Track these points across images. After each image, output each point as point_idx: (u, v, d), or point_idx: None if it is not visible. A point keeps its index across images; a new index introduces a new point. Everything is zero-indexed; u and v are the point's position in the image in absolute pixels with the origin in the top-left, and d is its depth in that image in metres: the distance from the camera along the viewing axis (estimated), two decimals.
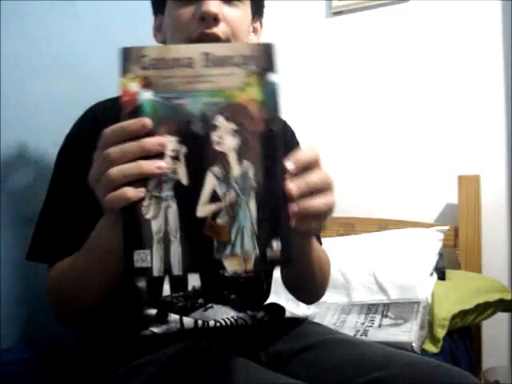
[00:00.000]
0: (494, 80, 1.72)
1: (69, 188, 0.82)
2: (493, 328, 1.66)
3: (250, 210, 0.52)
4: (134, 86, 0.52)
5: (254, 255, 0.51)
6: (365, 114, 1.91)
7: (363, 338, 1.13)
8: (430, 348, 1.21)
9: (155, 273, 0.51)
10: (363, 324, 1.22)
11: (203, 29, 0.78)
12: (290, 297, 1.17)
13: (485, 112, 1.73)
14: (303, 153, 0.56)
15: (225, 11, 0.80)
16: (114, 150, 0.52)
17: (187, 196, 0.51)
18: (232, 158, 0.52)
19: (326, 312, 1.34)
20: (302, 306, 1.40)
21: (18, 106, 1.14)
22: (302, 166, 0.55)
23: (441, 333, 1.23)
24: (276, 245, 0.51)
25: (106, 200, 0.53)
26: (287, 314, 1.01)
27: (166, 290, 0.82)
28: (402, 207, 1.83)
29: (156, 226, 0.51)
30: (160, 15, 0.87)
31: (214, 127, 0.52)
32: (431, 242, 1.57)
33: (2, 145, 1.10)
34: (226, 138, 0.52)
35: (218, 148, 0.52)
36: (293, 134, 1.03)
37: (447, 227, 1.65)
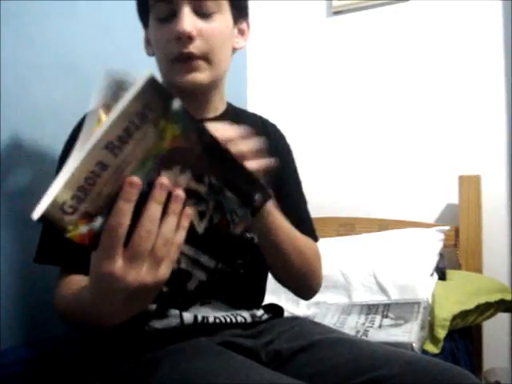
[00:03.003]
0: (495, 80, 1.71)
1: None
2: (493, 328, 1.66)
3: (228, 198, 0.60)
4: (82, 228, 0.50)
5: (248, 215, 0.62)
6: (365, 114, 1.91)
7: (363, 338, 1.13)
8: (431, 348, 1.21)
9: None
10: (363, 324, 1.21)
11: (180, 48, 0.80)
12: (290, 297, 1.17)
13: (485, 112, 1.73)
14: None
15: (200, 26, 0.81)
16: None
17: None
18: (195, 185, 0.56)
19: (326, 312, 1.34)
20: (302, 306, 1.40)
21: (17, 105, 1.14)
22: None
23: (441, 333, 1.23)
24: (257, 196, 0.62)
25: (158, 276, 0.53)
26: (287, 314, 1.01)
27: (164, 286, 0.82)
28: (402, 207, 1.82)
29: None
30: (148, 29, 0.89)
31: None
32: (432, 242, 1.57)
33: (2, 145, 1.10)
34: (179, 180, 0.54)
35: (181, 192, 0.54)
36: (282, 136, 1.04)
37: (448, 227, 1.65)
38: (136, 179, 0.50)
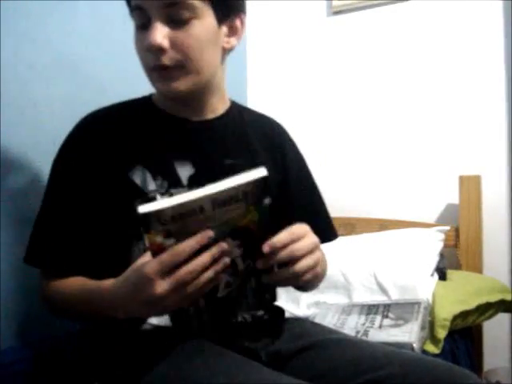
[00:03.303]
0: (495, 80, 1.71)
1: (66, 199, 0.84)
2: (494, 329, 1.66)
3: (251, 284, 0.84)
4: (159, 238, 0.63)
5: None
6: (365, 114, 1.91)
7: (363, 338, 1.13)
8: (431, 349, 1.21)
9: None
10: (363, 325, 1.21)
11: (153, 59, 0.80)
12: (290, 297, 1.17)
13: (485, 112, 1.73)
14: (279, 237, 0.70)
15: (172, 36, 0.78)
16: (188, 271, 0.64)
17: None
18: (239, 261, 0.73)
19: (326, 312, 1.33)
20: (302, 306, 1.40)
21: (17, 105, 1.14)
22: (276, 248, 0.70)
23: (442, 333, 1.23)
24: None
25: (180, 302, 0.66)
26: (287, 315, 1.01)
27: None
28: (402, 207, 1.82)
29: None
30: None
31: None
32: (432, 243, 1.57)
33: (2, 145, 1.10)
34: (233, 251, 0.69)
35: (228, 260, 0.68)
36: (290, 140, 1.04)
37: (448, 227, 1.65)
38: (211, 233, 0.64)
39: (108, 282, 0.73)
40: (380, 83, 1.89)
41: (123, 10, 1.24)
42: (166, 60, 0.79)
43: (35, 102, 1.18)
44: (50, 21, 1.22)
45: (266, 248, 0.69)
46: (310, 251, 0.74)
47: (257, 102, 2.02)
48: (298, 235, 0.73)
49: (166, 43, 0.78)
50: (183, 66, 0.80)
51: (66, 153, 0.87)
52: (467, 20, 1.75)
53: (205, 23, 0.80)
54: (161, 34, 0.77)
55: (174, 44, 0.79)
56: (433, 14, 1.80)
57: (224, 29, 0.85)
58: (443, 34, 1.78)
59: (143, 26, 0.80)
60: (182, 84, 0.81)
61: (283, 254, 0.71)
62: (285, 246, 0.71)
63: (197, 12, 0.79)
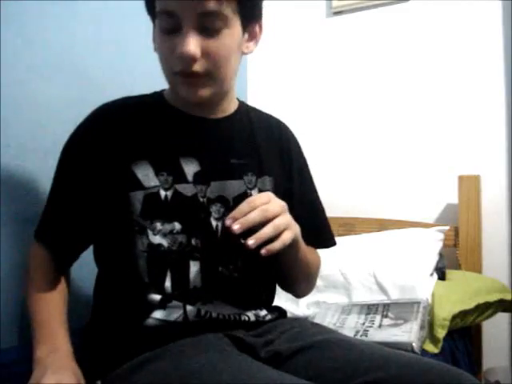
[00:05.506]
0: (494, 80, 1.71)
1: (71, 185, 0.88)
2: (493, 328, 1.66)
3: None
4: None
5: None
6: (365, 114, 1.91)
7: (363, 338, 1.13)
8: (431, 348, 1.21)
9: None
10: (363, 324, 1.21)
11: (183, 66, 0.79)
12: (290, 297, 1.17)
13: (485, 112, 1.73)
14: (240, 208, 0.76)
15: (205, 45, 0.79)
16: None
17: None
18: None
19: (326, 312, 1.34)
20: (302, 306, 1.40)
21: (17, 105, 1.14)
22: (236, 217, 0.75)
23: (441, 333, 1.23)
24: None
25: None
26: (287, 315, 1.01)
27: (167, 287, 0.82)
28: (402, 207, 1.82)
29: None
30: (155, 27, 0.86)
31: None
32: (431, 242, 1.57)
33: (2, 144, 1.10)
34: None
35: None
36: (295, 142, 1.05)
37: (447, 227, 1.65)
38: None
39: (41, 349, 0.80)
40: (380, 84, 1.89)
41: (123, 10, 1.25)
42: (197, 67, 0.79)
43: (35, 101, 1.18)
44: (49, 21, 1.23)
45: (227, 221, 0.75)
46: (281, 212, 0.79)
47: (257, 102, 2.02)
48: (261, 202, 0.77)
49: (198, 52, 0.78)
50: (211, 74, 0.81)
51: (74, 141, 0.89)
52: (467, 20, 1.75)
53: (234, 32, 0.81)
54: (194, 42, 0.77)
55: (205, 53, 0.79)
56: (433, 15, 1.80)
57: (245, 35, 0.86)
58: (443, 35, 1.79)
59: (171, 31, 0.79)
60: (207, 91, 0.82)
61: (255, 215, 0.75)
62: (252, 209, 0.75)
63: (228, 22, 0.79)
